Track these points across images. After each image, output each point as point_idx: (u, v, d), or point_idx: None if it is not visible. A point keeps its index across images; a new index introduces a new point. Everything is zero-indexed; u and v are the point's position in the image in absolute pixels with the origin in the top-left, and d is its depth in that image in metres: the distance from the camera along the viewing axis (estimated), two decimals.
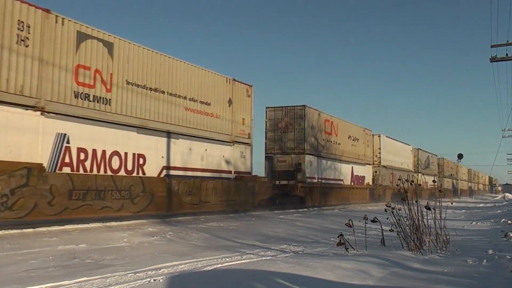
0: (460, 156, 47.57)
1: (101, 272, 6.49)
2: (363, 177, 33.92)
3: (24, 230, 10.79)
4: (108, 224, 12.93)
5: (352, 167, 31.67)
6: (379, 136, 37.76)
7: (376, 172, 36.97)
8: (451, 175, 69.17)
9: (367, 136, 34.93)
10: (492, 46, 16.73)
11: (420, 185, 41.13)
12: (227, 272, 6.41)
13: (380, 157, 37.36)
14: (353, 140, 31.82)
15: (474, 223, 17.14)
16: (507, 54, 16.66)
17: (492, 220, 17.90)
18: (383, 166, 38.05)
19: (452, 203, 34.75)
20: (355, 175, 32.34)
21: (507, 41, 16.63)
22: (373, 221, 8.22)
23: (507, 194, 69.64)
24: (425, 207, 8.51)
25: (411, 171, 45.13)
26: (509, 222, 15.90)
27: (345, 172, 30.41)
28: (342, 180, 29.99)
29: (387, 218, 8.22)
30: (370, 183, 35.17)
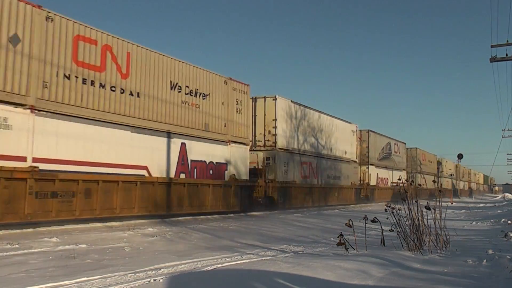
0: (460, 156, 47.50)
1: (101, 272, 6.49)
2: (223, 165, 18.21)
3: (24, 230, 10.79)
4: (108, 224, 12.93)
5: (184, 144, 16.25)
6: (275, 99, 21.92)
7: (268, 159, 21.65)
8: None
9: (234, 93, 19.10)
10: (492, 46, 16.73)
11: (368, 183, 33.98)
12: (227, 272, 6.41)
13: (276, 134, 21.77)
14: (188, 94, 16.60)
15: (474, 223, 17.14)
16: (507, 54, 16.66)
17: (492, 220, 17.89)
18: (283, 150, 22.39)
19: (452, 203, 34.75)
20: (195, 161, 16.69)
21: (507, 41, 16.63)
22: (373, 221, 8.23)
23: (507, 194, 69.52)
24: (425, 207, 8.52)
25: (353, 161, 31.80)
26: (509, 222, 15.89)
27: (157, 153, 15.09)
28: (144, 167, 14.54)
29: (387, 218, 8.22)
30: (243, 176, 19.24)
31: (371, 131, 35.17)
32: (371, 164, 34.93)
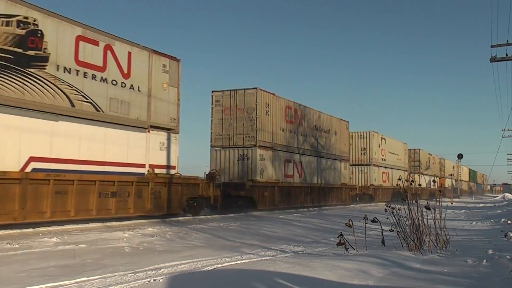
0: (460, 156, 47.57)
1: (101, 272, 6.49)
2: None
3: (24, 230, 10.80)
4: (108, 224, 12.93)
5: None
6: None
7: None
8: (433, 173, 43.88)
9: None
10: (492, 46, 16.72)
11: None
12: (227, 272, 6.41)
13: None
14: None
15: (474, 223, 17.14)
16: (507, 54, 16.65)
17: (492, 220, 17.89)
18: None
19: (452, 203, 34.76)
20: None
21: (507, 41, 16.62)
22: (373, 221, 8.22)
23: (507, 194, 69.46)
24: (425, 207, 8.51)
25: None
26: (509, 222, 15.89)
27: None
28: None
29: (387, 218, 8.21)
30: None
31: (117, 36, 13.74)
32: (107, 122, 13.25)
